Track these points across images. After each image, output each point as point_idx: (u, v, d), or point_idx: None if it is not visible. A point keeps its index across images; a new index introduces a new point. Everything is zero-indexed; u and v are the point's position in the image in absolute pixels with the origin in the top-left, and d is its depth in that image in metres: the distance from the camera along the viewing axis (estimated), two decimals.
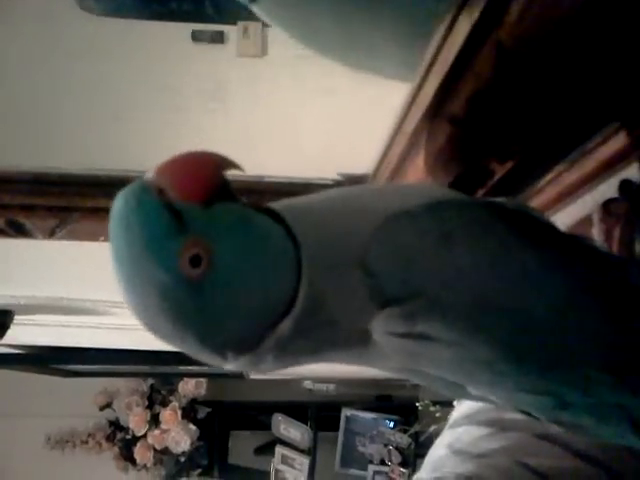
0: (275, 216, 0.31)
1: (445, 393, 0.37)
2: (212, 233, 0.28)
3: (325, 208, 0.33)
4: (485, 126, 0.36)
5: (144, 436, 2.55)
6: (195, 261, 0.27)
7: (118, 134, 0.51)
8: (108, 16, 0.50)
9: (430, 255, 0.32)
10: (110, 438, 2.63)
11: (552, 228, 0.36)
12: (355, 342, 0.32)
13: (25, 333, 1.40)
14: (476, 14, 0.27)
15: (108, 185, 0.49)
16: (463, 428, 0.55)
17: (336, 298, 0.31)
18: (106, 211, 0.52)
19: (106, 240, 0.57)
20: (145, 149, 0.50)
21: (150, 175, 0.28)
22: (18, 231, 0.50)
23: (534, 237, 0.33)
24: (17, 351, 1.72)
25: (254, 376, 2.29)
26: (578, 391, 0.33)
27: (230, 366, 0.31)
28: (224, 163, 0.29)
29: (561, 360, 0.32)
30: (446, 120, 0.35)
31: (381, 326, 0.32)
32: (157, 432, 2.53)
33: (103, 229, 0.56)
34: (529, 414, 0.36)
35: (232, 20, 0.62)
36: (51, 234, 0.50)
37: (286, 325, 0.30)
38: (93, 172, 0.48)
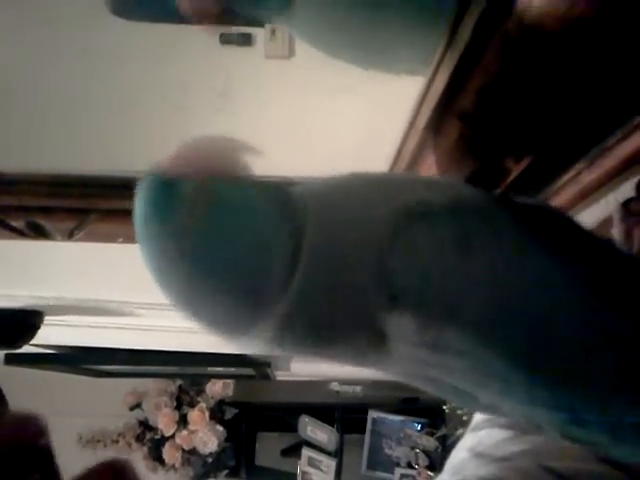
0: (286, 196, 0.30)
1: (456, 402, 0.36)
2: (212, 194, 0.28)
3: (343, 197, 0.31)
4: (497, 122, 0.35)
5: (172, 436, 2.58)
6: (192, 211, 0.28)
7: (139, 137, 0.52)
8: (138, 20, 0.51)
9: (447, 261, 0.30)
10: (140, 438, 2.66)
11: (576, 230, 0.35)
12: (361, 341, 0.32)
13: (56, 334, 1.43)
14: (482, 4, 0.26)
15: (124, 187, 0.49)
16: (485, 431, 0.54)
17: (337, 289, 0.30)
18: (122, 212, 0.53)
19: (125, 241, 0.58)
20: (164, 152, 0.50)
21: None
22: (38, 233, 0.51)
23: (551, 239, 0.32)
24: (49, 351, 1.76)
25: (281, 378, 2.30)
26: (595, 409, 0.32)
27: (259, 334, 0.29)
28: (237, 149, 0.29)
29: (579, 376, 0.31)
30: (456, 115, 0.35)
31: (392, 331, 0.31)
32: (185, 433, 2.56)
33: (120, 230, 0.57)
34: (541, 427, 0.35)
35: (259, 23, 0.62)
36: (70, 235, 0.51)
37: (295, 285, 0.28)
38: (110, 174, 0.49)
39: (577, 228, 0.35)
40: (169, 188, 0.28)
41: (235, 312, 0.29)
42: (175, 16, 0.41)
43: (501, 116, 0.35)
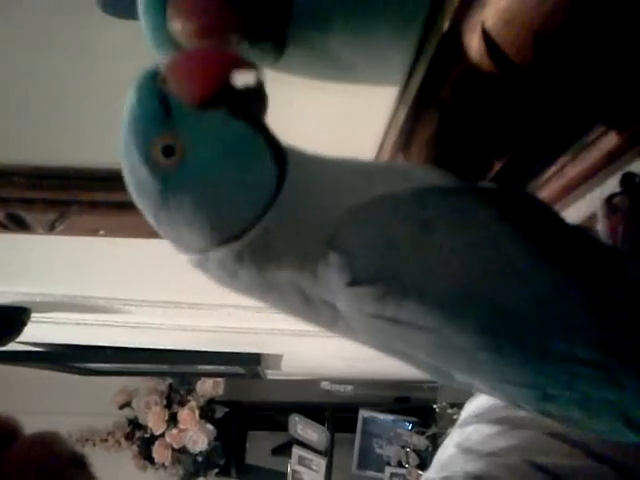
0: (278, 151, 0.31)
1: (433, 377, 0.36)
2: (192, 135, 0.29)
3: (322, 170, 0.33)
4: (475, 114, 0.35)
5: (162, 435, 2.57)
6: (167, 151, 0.29)
7: (117, 128, 0.51)
8: (127, 18, 0.50)
9: (409, 240, 0.31)
10: (129, 437, 2.66)
11: (548, 215, 0.35)
12: (320, 308, 0.33)
13: (43, 331, 1.42)
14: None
15: (107, 179, 0.49)
16: (472, 427, 0.54)
17: (292, 258, 0.31)
18: (105, 205, 0.53)
19: (106, 234, 0.57)
20: None
21: (164, 62, 0.30)
22: (19, 225, 0.50)
23: (524, 225, 0.32)
24: (36, 349, 1.75)
25: (272, 376, 2.30)
26: (562, 385, 0.32)
27: (211, 258, 0.31)
28: (235, 63, 0.29)
29: (543, 353, 0.31)
30: (434, 108, 0.35)
31: (349, 303, 0.31)
32: (175, 431, 2.55)
33: (102, 223, 0.57)
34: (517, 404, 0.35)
35: None
36: (51, 228, 0.50)
37: (233, 249, 0.31)
38: (92, 166, 0.49)
39: (553, 216, 0.35)
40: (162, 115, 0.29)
41: (203, 233, 0.31)
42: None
43: (480, 107, 0.34)
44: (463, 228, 0.31)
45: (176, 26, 0.35)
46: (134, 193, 0.31)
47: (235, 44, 0.36)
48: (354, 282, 0.30)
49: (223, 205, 0.30)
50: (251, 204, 0.30)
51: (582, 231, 0.38)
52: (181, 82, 0.29)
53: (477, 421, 0.54)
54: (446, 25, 0.28)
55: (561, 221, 0.35)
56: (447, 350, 0.32)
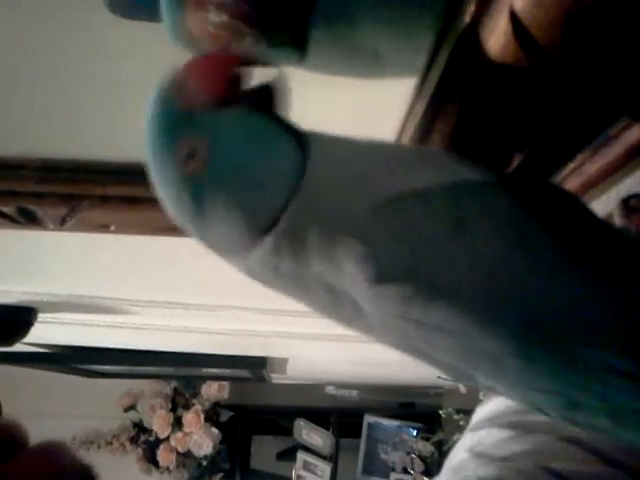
0: (299, 137, 0.31)
1: (453, 378, 0.35)
2: (214, 133, 0.30)
3: (350, 154, 0.32)
4: (496, 106, 0.34)
5: (167, 439, 2.57)
6: (190, 156, 0.30)
7: (130, 123, 0.51)
8: (135, 19, 0.51)
9: (441, 240, 0.30)
10: (134, 440, 2.66)
11: (580, 212, 0.34)
12: (343, 303, 0.32)
13: (49, 331, 1.42)
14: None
15: (118, 173, 0.48)
16: (485, 431, 0.53)
17: (318, 253, 0.31)
18: (116, 199, 0.53)
19: (117, 230, 0.57)
20: None
21: (179, 69, 0.31)
22: (29, 219, 0.50)
23: (557, 223, 0.31)
24: (42, 350, 1.75)
25: (277, 380, 2.29)
26: (592, 394, 0.31)
27: (253, 258, 0.31)
28: (243, 61, 0.30)
29: (574, 360, 0.30)
30: (455, 99, 0.34)
31: (372, 301, 0.30)
32: (180, 435, 2.55)
33: (113, 218, 0.56)
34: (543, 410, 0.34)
35: None
36: (62, 222, 0.50)
37: (268, 241, 0.31)
38: (104, 159, 0.48)
39: (585, 212, 0.34)
40: (181, 121, 0.30)
41: (240, 228, 0.31)
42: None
43: (501, 99, 0.34)
44: (496, 228, 0.30)
45: (193, 22, 0.35)
46: (172, 209, 0.32)
47: (253, 44, 0.36)
48: (379, 279, 0.29)
49: (253, 194, 0.30)
50: (278, 190, 0.30)
51: (614, 228, 0.37)
52: (196, 86, 0.30)
53: (489, 425, 0.53)
54: (472, 9, 0.27)
55: (594, 217, 0.34)
56: (473, 354, 0.31)
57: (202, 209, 0.31)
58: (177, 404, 2.61)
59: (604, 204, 0.55)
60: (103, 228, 0.52)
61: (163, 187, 0.31)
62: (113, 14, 0.49)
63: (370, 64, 0.41)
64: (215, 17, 0.35)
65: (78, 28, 0.50)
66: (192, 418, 2.54)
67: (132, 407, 2.67)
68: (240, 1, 0.35)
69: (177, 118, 0.30)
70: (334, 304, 0.32)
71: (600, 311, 0.30)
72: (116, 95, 0.50)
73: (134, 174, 0.48)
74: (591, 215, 0.34)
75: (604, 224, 0.34)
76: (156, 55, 0.51)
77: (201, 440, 2.53)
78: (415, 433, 2.50)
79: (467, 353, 0.31)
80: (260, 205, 0.30)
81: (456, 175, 0.31)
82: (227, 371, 2.18)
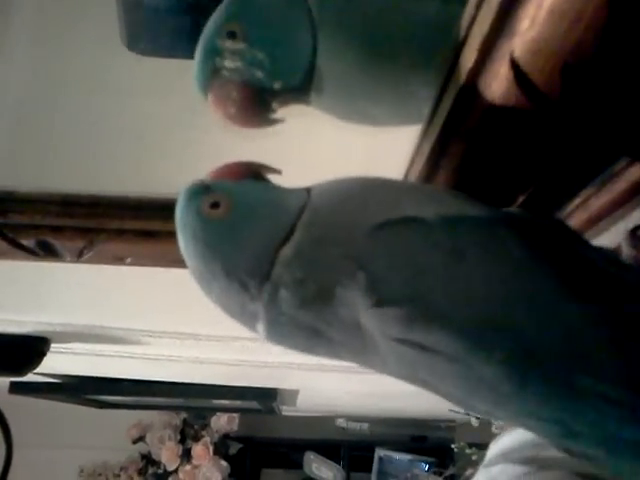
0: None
1: (458, 407, 0.36)
2: (232, 188, 0.35)
3: (346, 191, 0.35)
4: (501, 146, 0.35)
5: (176, 471, 2.54)
6: (214, 205, 0.34)
7: (145, 159, 0.53)
8: (152, 56, 0.52)
9: (439, 267, 0.31)
10: (142, 472, 2.62)
11: (577, 245, 0.35)
12: (351, 332, 0.32)
13: (60, 362, 1.42)
14: (486, 26, 0.27)
15: (135, 207, 0.50)
16: (499, 467, 0.53)
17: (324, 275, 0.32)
18: (132, 233, 0.54)
19: (133, 262, 0.58)
20: (172, 173, 0.51)
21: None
22: (48, 252, 0.51)
23: (553, 257, 0.32)
24: (52, 380, 1.75)
25: (287, 412, 2.27)
26: (587, 423, 0.31)
27: (256, 305, 0.33)
28: (261, 170, 0.37)
29: (569, 388, 0.30)
30: (460, 139, 0.35)
31: (375, 325, 0.31)
32: (188, 467, 2.52)
33: (129, 251, 0.58)
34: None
35: None
36: (79, 255, 0.51)
37: (286, 251, 0.33)
38: (121, 194, 0.50)
39: (583, 245, 0.35)
40: (204, 189, 0.35)
41: (259, 251, 0.33)
42: (188, 52, 0.43)
43: (505, 139, 0.35)
44: (492, 259, 0.31)
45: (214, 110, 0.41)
46: (195, 256, 0.35)
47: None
48: (379, 303, 0.31)
49: (265, 221, 0.34)
50: (281, 222, 0.33)
51: (613, 257, 0.38)
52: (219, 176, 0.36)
53: (503, 461, 0.53)
54: (474, 57, 0.29)
55: (591, 249, 0.35)
56: (471, 381, 0.31)
57: (225, 244, 0.34)
58: (186, 435, 2.59)
59: (612, 237, 0.55)
60: (119, 260, 0.53)
61: (186, 243, 0.35)
62: (133, 52, 0.51)
63: (371, 124, 0.44)
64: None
65: (99, 66, 0.52)
66: (201, 450, 2.51)
67: (141, 438, 2.64)
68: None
69: (200, 187, 0.35)
70: (342, 337, 0.33)
71: (595, 340, 0.31)
72: (133, 132, 0.52)
73: (150, 209, 0.50)
74: (589, 246, 0.35)
75: (601, 254, 0.35)
76: (175, 92, 0.53)
77: (210, 473, 2.50)
78: (427, 468, 2.45)
79: (466, 380, 0.32)
80: (272, 232, 0.34)
81: (457, 209, 0.33)
82: (237, 402, 2.16)
